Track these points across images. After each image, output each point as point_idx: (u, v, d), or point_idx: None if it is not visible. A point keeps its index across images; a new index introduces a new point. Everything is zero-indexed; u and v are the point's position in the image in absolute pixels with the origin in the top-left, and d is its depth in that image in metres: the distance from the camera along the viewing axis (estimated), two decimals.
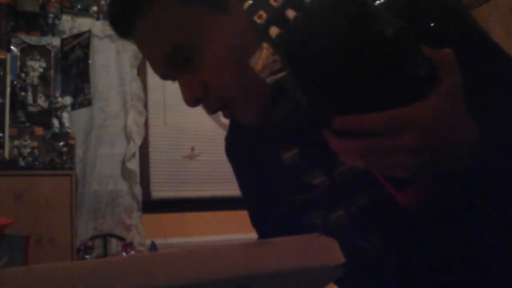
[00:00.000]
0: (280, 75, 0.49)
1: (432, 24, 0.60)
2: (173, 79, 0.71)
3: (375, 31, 0.46)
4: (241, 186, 0.92)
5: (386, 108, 0.47)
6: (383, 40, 0.45)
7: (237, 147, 0.88)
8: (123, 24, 0.70)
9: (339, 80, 0.47)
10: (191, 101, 0.69)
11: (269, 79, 0.50)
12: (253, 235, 0.91)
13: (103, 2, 3.51)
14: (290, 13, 0.47)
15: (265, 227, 0.89)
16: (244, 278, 0.25)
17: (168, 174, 3.59)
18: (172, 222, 3.45)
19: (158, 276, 0.23)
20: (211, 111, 0.70)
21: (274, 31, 0.48)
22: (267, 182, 0.81)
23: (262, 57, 0.50)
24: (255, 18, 0.49)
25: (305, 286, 0.28)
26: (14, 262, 1.18)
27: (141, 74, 3.60)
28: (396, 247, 0.68)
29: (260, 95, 0.68)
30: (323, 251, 0.27)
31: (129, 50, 3.50)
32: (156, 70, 0.71)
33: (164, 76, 0.71)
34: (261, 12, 0.48)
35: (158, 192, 3.53)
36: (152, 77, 3.65)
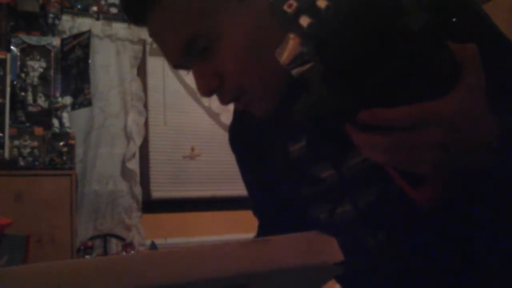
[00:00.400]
0: (306, 67, 0.48)
1: (454, 20, 0.59)
2: (187, 68, 0.70)
3: (402, 24, 0.45)
4: (244, 176, 0.91)
5: (410, 103, 0.46)
6: (409, 34, 0.45)
7: (240, 137, 0.87)
8: (138, 11, 0.68)
9: (366, 73, 0.46)
10: (206, 91, 0.68)
11: (295, 71, 0.49)
12: (253, 235, 0.91)
13: (103, 2, 3.51)
14: (321, 3, 0.46)
15: (267, 217, 0.89)
16: (244, 277, 0.25)
17: (168, 174, 3.59)
18: (172, 222, 3.45)
19: (157, 274, 0.23)
20: (225, 101, 0.69)
21: (304, 20, 0.47)
22: (272, 173, 0.80)
23: (289, 48, 0.49)
24: (285, 7, 0.48)
25: (304, 284, 0.28)
26: (14, 262, 1.18)
27: (141, 74, 3.61)
28: (401, 245, 0.68)
29: (274, 87, 0.67)
30: (322, 249, 0.27)
31: (129, 50, 3.51)
32: (170, 59, 0.69)
33: (178, 65, 0.70)
34: (292, 1, 0.48)
35: (158, 192, 3.53)
36: (152, 77, 3.65)
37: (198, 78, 0.68)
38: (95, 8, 3.47)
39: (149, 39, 3.60)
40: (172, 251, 0.25)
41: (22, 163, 2.87)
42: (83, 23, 3.38)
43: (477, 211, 0.62)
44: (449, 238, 0.65)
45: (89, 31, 3.27)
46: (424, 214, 0.62)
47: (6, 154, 2.86)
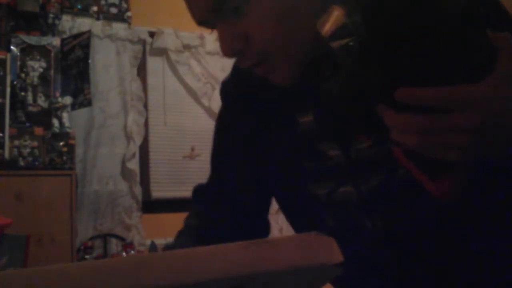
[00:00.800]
0: (346, 40, 0.48)
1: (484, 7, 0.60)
2: (212, 27, 0.68)
3: (443, 6, 0.45)
4: (225, 129, 0.88)
5: (445, 86, 0.46)
6: (450, 16, 0.45)
7: (239, 93, 0.84)
8: None
9: (405, 51, 0.46)
10: (230, 52, 0.66)
11: (335, 44, 0.48)
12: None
13: (103, 2, 3.51)
14: None
15: (228, 177, 0.87)
16: (242, 278, 0.25)
17: (168, 174, 3.59)
18: (172, 222, 3.44)
19: (155, 276, 0.23)
20: (245, 64, 0.68)
21: None
22: (272, 138, 0.78)
23: (332, 20, 0.48)
24: None
25: (303, 284, 0.28)
26: (14, 262, 1.18)
27: (141, 74, 3.61)
28: (398, 233, 0.68)
29: (299, 57, 0.66)
30: (321, 250, 0.27)
31: (129, 50, 3.51)
32: (196, 14, 0.67)
33: (202, 22, 0.68)
34: None
35: (158, 192, 3.53)
36: (152, 77, 3.65)
37: (223, 38, 0.66)
38: (95, 8, 3.47)
39: (149, 39, 3.61)
40: (171, 252, 0.25)
41: (22, 163, 2.88)
42: (83, 23, 3.38)
43: (483, 206, 0.62)
44: (447, 231, 0.65)
45: (89, 31, 3.28)
46: (424, 207, 0.62)
47: (6, 154, 2.86)
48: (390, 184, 0.65)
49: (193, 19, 0.68)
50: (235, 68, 0.85)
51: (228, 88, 0.87)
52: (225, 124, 0.88)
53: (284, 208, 0.84)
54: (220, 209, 0.87)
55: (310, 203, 0.76)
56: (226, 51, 0.66)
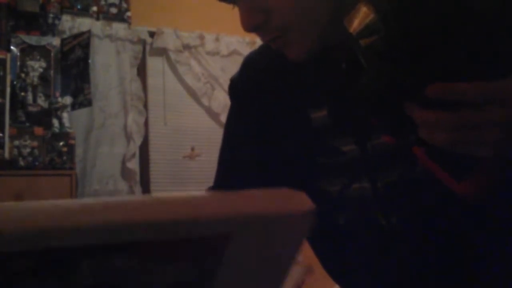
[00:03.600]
0: (374, 38, 0.48)
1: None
2: (233, 2, 0.69)
3: (473, 3, 0.45)
4: (235, 126, 0.87)
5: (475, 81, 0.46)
6: (478, 14, 0.45)
7: (248, 89, 0.84)
8: None
9: (435, 47, 0.46)
10: (250, 27, 0.67)
11: (362, 41, 0.48)
12: None
13: (103, 2, 3.51)
14: None
15: (238, 177, 0.86)
16: (224, 223, 0.25)
17: (168, 174, 3.59)
18: None
19: (144, 212, 0.24)
20: (266, 39, 0.69)
21: None
22: (282, 135, 0.78)
23: (360, 17, 0.48)
24: None
25: (282, 238, 0.29)
26: None
27: (141, 74, 3.61)
28: (413, 230, 0.67)
29: (315, 33, 0.67)
30: (293, 200, 0.28)
31: (129, 50, 3.51)
32: None
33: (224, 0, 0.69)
34: None
35: (158, 191, 3.53)
36: (152, 77, 3.66)
37: (244, 12, 0.67)
38: (95, 8, 3.47)
39: (149, 39, 3.61)
40: (156, 197, 0.26)
41: (22, 163, 2.88)
42: (83, 23, 3.38)
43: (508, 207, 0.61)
44: (462, 232, 0.64)
45: (89, 31, 3.28)
46: (442, 204, 0.62)
47: (6, 154, 2.87)
48: (408, 180, 0.65)
49: None
50: (244, 65, 0.85)
51: (237, 86, 0.87)
52: (234, 123, 0.88)
53: None
54: None
55: (320, 200, 0.75)
56: (247, 26, 0.67)
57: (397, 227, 0.68)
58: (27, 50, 3.13)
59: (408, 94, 0.49)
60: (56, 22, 3.28)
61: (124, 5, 3.57)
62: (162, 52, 3.67)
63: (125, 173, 3.36)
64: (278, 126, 0.79)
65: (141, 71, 3.61)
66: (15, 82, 3.04)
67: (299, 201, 0.28)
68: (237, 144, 0.87)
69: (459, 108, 0.46)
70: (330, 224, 0.75)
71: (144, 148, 3.52)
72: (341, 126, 0.70)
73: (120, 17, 3.52)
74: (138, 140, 3.43)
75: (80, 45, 3.21)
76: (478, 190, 0.50)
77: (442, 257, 0.67)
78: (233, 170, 0.88)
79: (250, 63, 0.85)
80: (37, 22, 3.25)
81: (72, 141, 3.05)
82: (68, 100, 3.14)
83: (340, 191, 0.72)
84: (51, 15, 3.26)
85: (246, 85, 0.84)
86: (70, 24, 3.34)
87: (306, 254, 0.84)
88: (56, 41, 3.22)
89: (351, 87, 0.53)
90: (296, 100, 0.75)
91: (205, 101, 3.70)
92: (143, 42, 3.59)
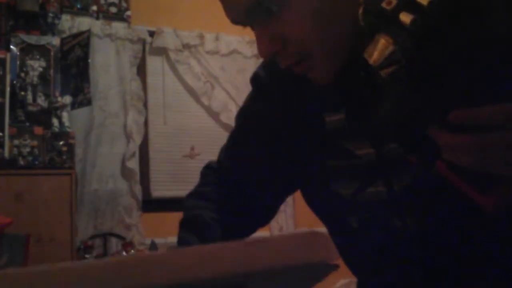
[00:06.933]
0: (395, 67, 0.49)
1: None
2: (246, 25, 0.68)
3: (490, 26, 0.46)
4: (249, 121, 0.87)
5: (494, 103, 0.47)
6: (497, 37, 0.46)
7: (269, 84, 0.84)
8: None
9: (455, 74, 0.47)
10: (267, 54, 0.66)
11: (384, 72, 0.49)
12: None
13: (102, 2, 3.51)
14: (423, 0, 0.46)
15: (247, 172, 0.86)
16: (240, 276, 0.25)
17: (168, 173, 3.59)
18: (172, 221, 3.43)
19: (153, 275, 0.23)
20: (285, 64, 0.67)
21: (406, 16, 0.47)
22: (294, 136, 0.78)
23: (380, 48, 0.49)
24: (383, 4, 0.48)
25: (301, 282, 0.29)
26: (14, 261, 1.18)
27: (141, 73, 3.61)
28: (428, 232, 0.67)
29: (338, 55, 0.66)
30: (318, 248, 0.27)
31: (128, 49, 3.51)
32: (231, 14, 0.67)
33: (238, 22, 0.67)
34: None
35: (158, 191, 3.53)
36: (152, 77, 3.65)
37: (260, 40, 0.65)
38: (94, 8, 3.47)
39: (148, 39, 3.61)
40: (169, 252, 0.25)
41: (22, 162, 2.87)
42: (83, 23, 3.38)
43: None
44: (476, 237, 0.65)
45: (88, 31, 3.27)
46: (458, 207, 0.62)
47: (6, 154, 2.86)
48: (424, 182, 0.65)
49: (228, 18, 0.68)
50: (267, 62, 0.84)
51: (260, 79, 0.86)
52: (250, 113, 0.87)
53: (310, 205, 0.83)
54: (233, 203, 0.85)
55: (333, 203, 0.76)
56: (264, 53, 0.66)
57: (412, 229, 0.68)
58: (27, 50, 3.13)
59: (431, 120, 0.50)
60: (56, 21, 3.28)
61: (124, 4, 3.57)
62: (162, 51, 3.67)
63: (125, 172, 3.36)
64: (291, 124, 0.78)
65: (141, 71, 3.61)
66: (14, 82, 3.03)
67: (326, 249, 0.27)
68: (251, 134, 0.86)
69: (482, 130, 0.47)
70: (344, 227, 0.75)
71: (144, 148, 3.52)
72: (358, 130, 0.70)
73: (120, 16, 3.52)
74: (138, 140, 3.42)
75: (80, 45, 3.20)
76: (500, 202, 0.51)
77: (455, 262, 0.67)
78: (244, 157, 0.87)
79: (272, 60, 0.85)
80: (37, 22, 3.24)
81: (72, 141, 3.04)
82: (68, 99, 3.14)
83: (354, 194, 0.72)
84: (50, 15, 3.26)
85: (268, 79, 0.84)
86: (70, 23, 3.34)
87: None
88: (55, 41, 3.22)
89: (371, 110, 0.53)
90: (312, 101, 0.75)
91: (205, 101, 3.70)
92: (143, 42, 3.59)
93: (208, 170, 0.92)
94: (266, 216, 0.88)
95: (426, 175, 0.63)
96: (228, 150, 0.90)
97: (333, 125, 0.72)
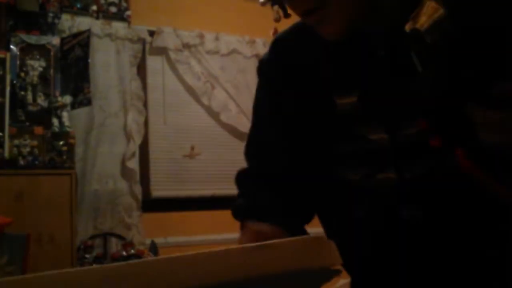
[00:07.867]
0: (441, 35, 0.46)
1: None
2: None
3: None
4: (263, 107, 0.85)
5: None
6: None
7: (276, 70, 0.82)
8: None
9: (504, 43, 0.45)
10: None
11: (429, 37, 0.47)
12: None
13: (102, 1, 3.51)
14: None
15: (273, 160, 0.82)
16: (244, 281, 0.25)
17: (168, 173, 3.59)
18: (172, 221, 3.45)
19: (157, 281, 0.23)
20: (303, 7, 0.66)
21: None
22: (306, 118, 0.76)
23: (427, 12, 0.47)
24: None
25: (304, 286, 0.29)
26: (14, 261, 1.18)
27: (141, 73, 3.60)
28: (436, 224, 0.66)
29: (352, 12, 0.65)
30: (321, 253, 0.27)
31: (128, 49, 3.50)
32: None
33: None
34: None
35: (158, 191, 3.53)
36: (152, 76, 3.65)
37: None
38: (94, 7, 3.47)
39: (148, 38, 3.61)
40: (172, 257, 0.25)
41: (22, 162, 2.87)
42: (83, 22, 3.38)
43: None
44: (487, 230, 0.63)
45: (88, 30, 3.27)
46: (468, 201, 0.61)
47: (6, 154, 2.86)
48: (437, 172, 0.63)
49: None
50: (274, 45, 0.84)
51: (266, 67, 0.85)
52: (261, 102, 0.86)
53: (314, 195, 0.80)
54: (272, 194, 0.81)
55: (340, 190, 0.73)
56: None
57: (420, 220, 0.66)
58: (27, 49, 3.13)
59: (472, 94, 0.47)
60: (56, 21, 3.28)
61: (124, 4, 3.57)
62: (162, 51, 3.67)
63: (125, 172, 3.36)
64: (302, 108, 0.77)
65: (141, 70, 3.61)
66: (14, 82, 3.03)
67: (329, 254, 0.27)
68: (265, 123, 0.85)
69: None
70: (348, 217, 0.73)
71: (144, 147, 3.52)
72: (371, 114, 0.68)
73: (120, 16, 3.51)
74: (138, 139, 3.42)
75: (80, 44, 3.20)
76: None
77: (464, 254, 0.65)
78: (263, 149, 0.85)
79: (279, 43, 0.83)
80: (37, 21, 3.24)
81: (72, 141, 3.04)
82: (68, 99, 3.13)
83: (361, 180, 0.70)
84: (50, 14, 3.26)
85: (274, 66, 0.83)
86: (70, 23, 3.34)
87: None
88: (55, 40, 3.21)
89: (399, 87, 0.51)
90: (322, 83, 0.73)
91: (205, 100, 3.70)
92: (142, 41, 3.59)
93: (245, 177, 0.89)
94: (310, 207, 0.83)
95: (445, 162, 0.60)
96: (250, 148, 0.87)
97: (345, 108, 0.70)
